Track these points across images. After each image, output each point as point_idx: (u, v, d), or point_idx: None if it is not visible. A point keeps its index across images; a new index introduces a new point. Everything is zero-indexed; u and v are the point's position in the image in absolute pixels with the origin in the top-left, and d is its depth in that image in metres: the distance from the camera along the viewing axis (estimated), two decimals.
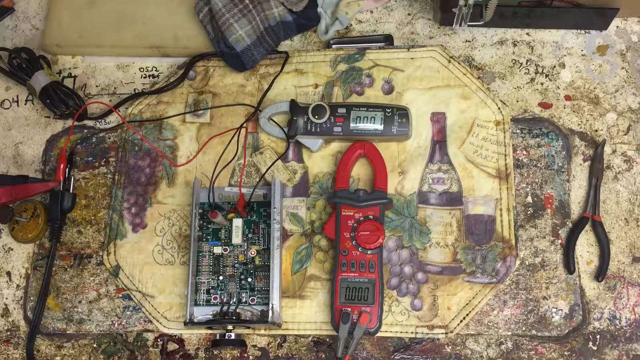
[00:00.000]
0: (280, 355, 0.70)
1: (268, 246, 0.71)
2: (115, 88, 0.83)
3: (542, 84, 0.77)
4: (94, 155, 0.80)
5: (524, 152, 0.74)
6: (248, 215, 0.73)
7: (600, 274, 0.69)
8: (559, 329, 0.68)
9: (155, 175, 0.77)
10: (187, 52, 0.81)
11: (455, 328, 0.68)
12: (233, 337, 0.68)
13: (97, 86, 0.83)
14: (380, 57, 0.79)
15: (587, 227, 0.71)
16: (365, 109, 0.73)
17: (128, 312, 0.73)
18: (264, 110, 0.76)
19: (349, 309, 0.67)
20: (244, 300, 0.71)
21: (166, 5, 0.82)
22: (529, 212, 0.72)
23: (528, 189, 0.73)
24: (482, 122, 0.75)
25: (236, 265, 0.72)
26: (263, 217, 0.73)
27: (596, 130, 0.75)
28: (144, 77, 0.83)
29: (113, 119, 0.81)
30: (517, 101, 0.76)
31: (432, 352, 0.69)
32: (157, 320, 0.72)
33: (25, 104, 0.84)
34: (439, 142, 0.75)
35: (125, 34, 0.82)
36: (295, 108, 0.74)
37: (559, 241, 0.71)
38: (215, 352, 0.71)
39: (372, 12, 0.83)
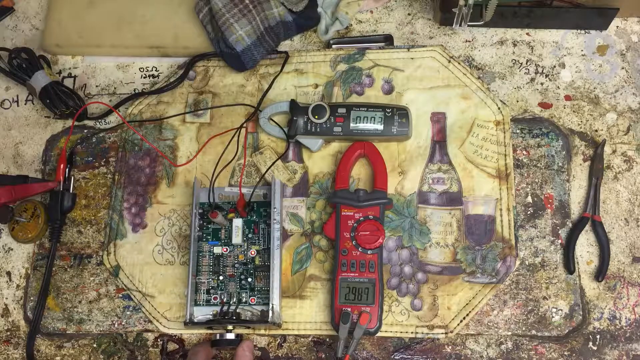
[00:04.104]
0: (280, 355, 0.70)
1: (268, 246, 0.71)
2: (115, 88, 0.83)
3: (542, 84, 0.77)
4: (94, 155, 0.80)
5: (524, 152, 0.74)
6: (248, 215, 0.73)
7: (600, 274, 0.69)
8: (559, 329, 0.68)
9: (155, 175, 0.77)
10: (187, 52, 0.81)
11: (455, 328, 0.68)
12: (233, 337, 0.68)
13: (97, 86, 0.83)
14: (380, 57, 0.79)
15: (587, 227, 0.71)
16: (365, 109, 0.73)
17: (128, 312, 0.73)
18: (264, 110, 0.76)
19: (349, 309, 0.67)
20: (244, 300, 0.71)
21: (166, 5, 0.82)
22: (529, 212, 0.72)
23: (528, 189, 0.73)
24: (482, 122, 0.75)
25: (236, 265, 0.72)
26: (263, 217, 0.73)
27: (596, 130, 0.75)
28: (144, 77, 0.83)
29: (113, 119, 0.81)
30: (517, 101, 0.76)
31: (432, 352, 0.69)
32: (157, 320, 0.72)
33: (25, 104, 0.84)
34: (439, 142, 0.75)
35: (125, 34, 0.82)
36: (295, 108, 0.74)
37: (559, 241, 0.71)
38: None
39: (372, 12, 0.83)
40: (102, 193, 0.78)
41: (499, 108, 0.75)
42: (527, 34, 0.79)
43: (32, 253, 0.77)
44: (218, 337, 0.68)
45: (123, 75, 0.83)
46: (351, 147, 0.73)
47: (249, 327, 0.70)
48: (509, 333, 0.68)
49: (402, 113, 0.73)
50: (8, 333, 0.75)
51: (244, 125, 0.77)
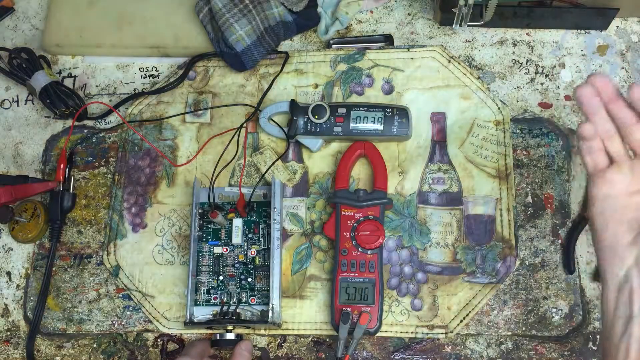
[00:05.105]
0: (280, 355, 0.70)
1: (268, 246, 0.71)
2: (115, 88, 0.83)
3: (542, 84, 0.77)
4: (94, 155, 0.80)
5: (524, 152, 0.74)
6: (248, 215, 0.73)
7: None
8: (559, 329, 0.68)
9: (155, 175, 0.77)
10: (187, 52, 0.82)
11: (455, 328, 0.68)
12: (233, 337, 0.68)
13: (97, 86, 0.83)
14: (380, 57, 0.79)
15: (587, 227, 0.71)
16: (365, 109, 0.74)
17: (128, 312, 0.73)
18: (264, 110, 0.76)
19: (349, 309, 0.67)
20: (244, 300, 0.71)
21: (166, 5, 0.82)
22: (529, 212, 0.72)
23: (528, 189, 0.73)
24: (482, 122, 0.75)
25: (236, 265, 0.72)
26: (263, 217, 0.73)
27: None
28: (144, 77, 0.83)
29: (113, 119, 0.81)
30: (517, 101, 0.76)
31: (432, 352, 0.69)
32: (157, 320, 0.72)
33: (25, 104, 0.84)
34: (439, 142, 0.75)
35: (125, 34, 0.82)
36: (295, 108, 0.74)
37: (559, 241, 0.71)
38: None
39: (372, 12, 0.83)
40: (102, 193, 0.78)
41: (499, 108, 0.75)
42: (527, 34, 0.79)
43: (32, 253, 0.77)
44: (218, 337, 0.69)
45: (123, 75, 0.83)
46: (351, 147, 0.73)
47: (249, 327, 0.70)
48: (509, 333, 0.68)
49: (402, 113, 0.73)
50: (8, 333, 0.75)
51: (244, 125, 0.77)
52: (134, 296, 0.73)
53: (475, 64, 0.78)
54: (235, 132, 0.76)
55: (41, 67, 0.80)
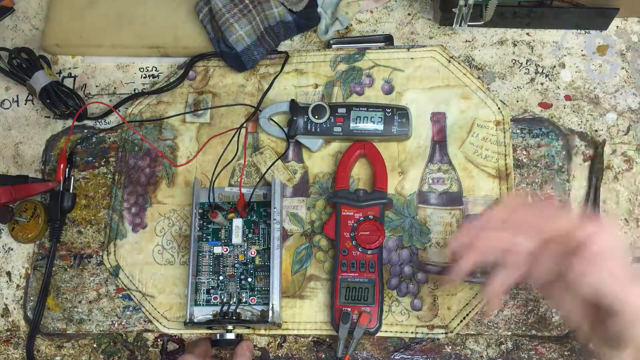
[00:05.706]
0: (280, 355, 0.70)
1: (268, 246, 0.71)
2: (115, 88, 0.83)
3: (542, 84, 0.77)
4: (94, 155, 0.80)
5: (524, 152, 0.74)
6: (248, 215, 0.73)
7: None
8: (559, 329, 0.68)
9: (155, 175, 0.77)
10: (187, 52, 0.81)
11: (455, 328, 0.68)
12: (233, 337, 0.68)
13: (97, 86, 0.83)
14: (380, 57, 0.79)
15: None
16: (365, 109, 0.73)
17: (128, 312, 0.73)
18: (264, 110, 0.76)
19: (349, 309, 0.67)
20: (244, 300, 0.71)
21: (166, 5, 0.82)
22: None
23: (528, 189, 0.73)
24: (482, 122, 0.75)
25: (236, 265, 0.72)
26: (263, 217, 0.73)
27: (596, 130, 0.75)
28: (144, 77, 0.83)
29: (113, 119, 0.81)
30: (517, 101, 0.76)
31: (432, 352, 0.69)
32: (157, 320, 0.72)
33: (25, 104, 0.84)
34: (439, 142, 0.75)
35: (125, 34, 0.82)
36: (295, 108, 0.74)
37: None
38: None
39: (372, 12, 0.83)
40: (102, 193, 0.78)
41: (499, 108, 0.75)
42: (527, 34, 0.79)
43: (32, 253, 0.77)
44: (218, 337, 0.69)
45: (123, 75, 0.83)
46: (351, 147, 0.73)
47: (249, 327, 0.70)
48: (509, 333, 0.68)
49: (402, 113, 0.73)
50: (8, 333, 0.75)
51: (244, 125, 0.77)
52: (134, 296, 0.73)
53: (475, 64, 0.78)
54: (235, 132, 0.76)
55: (41, 67, 0.80)
